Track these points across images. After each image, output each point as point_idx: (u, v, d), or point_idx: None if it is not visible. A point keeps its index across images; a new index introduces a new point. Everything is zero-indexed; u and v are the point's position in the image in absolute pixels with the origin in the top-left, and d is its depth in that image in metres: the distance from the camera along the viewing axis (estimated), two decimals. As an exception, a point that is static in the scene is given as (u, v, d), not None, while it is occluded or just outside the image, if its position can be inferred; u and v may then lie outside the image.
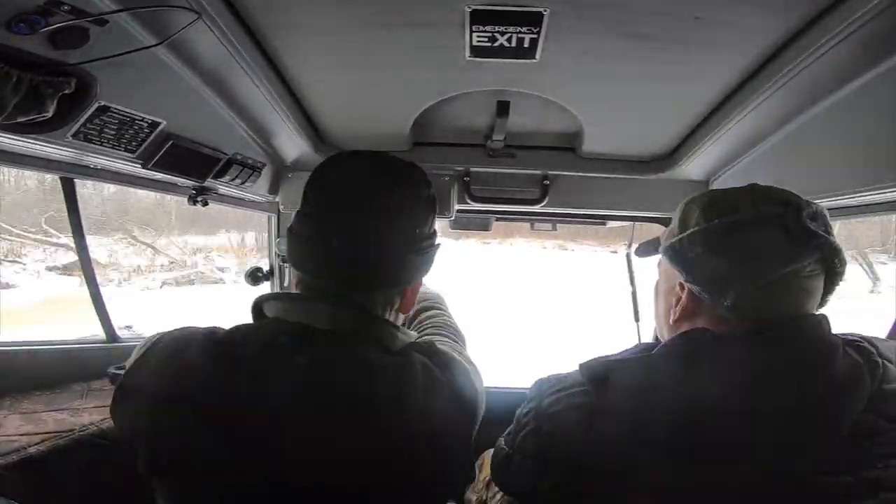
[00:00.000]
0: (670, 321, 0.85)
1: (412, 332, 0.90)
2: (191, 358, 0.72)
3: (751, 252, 0.76)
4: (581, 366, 0.84)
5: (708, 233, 0.78)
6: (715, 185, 1.75)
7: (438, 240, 0.90)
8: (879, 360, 0.74)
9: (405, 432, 0.72)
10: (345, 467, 0.68)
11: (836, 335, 0.76)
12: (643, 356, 0.80)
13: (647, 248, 1.06)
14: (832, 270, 0.78)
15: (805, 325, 0.75)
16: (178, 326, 0.81)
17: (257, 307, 0.81)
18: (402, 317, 0.90)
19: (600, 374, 0.80)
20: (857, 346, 0.75)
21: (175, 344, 0.76)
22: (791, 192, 0.81)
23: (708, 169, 1.69)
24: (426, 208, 0.85)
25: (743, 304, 0.76)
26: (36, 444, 1.18)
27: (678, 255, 0.82)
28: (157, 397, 0.71)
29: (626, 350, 0.85)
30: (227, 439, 0.67)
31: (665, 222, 2.00)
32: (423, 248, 0.84)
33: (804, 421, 0.69)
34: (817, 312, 0.78)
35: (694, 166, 1.64)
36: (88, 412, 1.35)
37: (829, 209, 1.32)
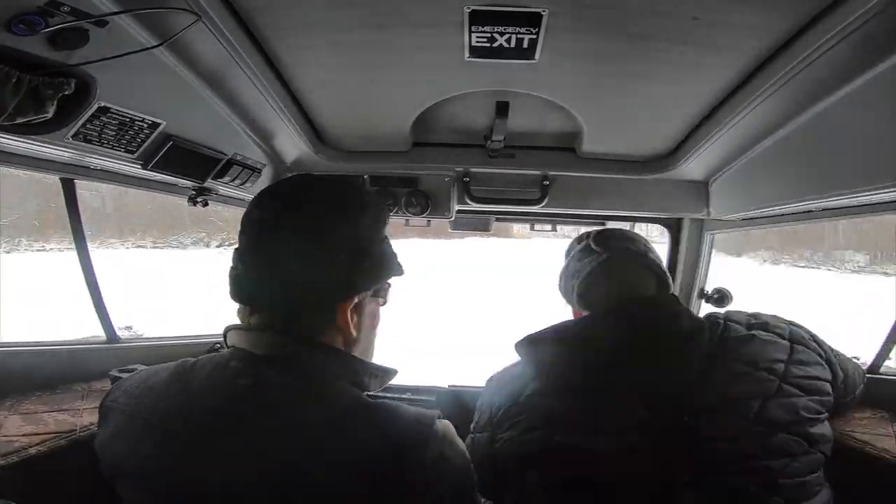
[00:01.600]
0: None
1: (377, 366, 0.86)
2: (154, 380, 0.80)
3: (575, 266, 1.26)
4: (515, 344, 1.18)
5: (565, 266, 1.32)
6: (714, 185, 1.75)
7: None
8: (721, 319, 1.12)
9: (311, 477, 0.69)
10: (276, 478, 0.69)
11: (683, 308, 1.14)
12: (553, 328, 1.16)
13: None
14: (645, 265, 1.22)
15: (661, 303, 1.15)
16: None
17: (224, 337, 0.84)
18: (350, 340, 0.84)
19: (528, 346, 1.16)
20: (708, 315, 1.15)
21: (150, 370, 0.84)
22: (616, 231, 1.33)
23: (707, 169, 1.69)
24: (335, 215, 0.81)
25: (581, 297, 1.23)
26: (36, 444, 1.18)
27: (561, 286, 1.34)
28: (122, 412, 0.78)
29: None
30: (172, 452, 0.72)
31: (664, 222, 2.00)
32: (334, 262, 0.79)
33: (662, 359, 1.04)
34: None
35: (693, 167, 1.64)
36: (89, 413, 1.35)
37: (829, 209, 1.34)
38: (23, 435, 1.20)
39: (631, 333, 1.06)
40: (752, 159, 1.48)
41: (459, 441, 0.80)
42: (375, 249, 0.84)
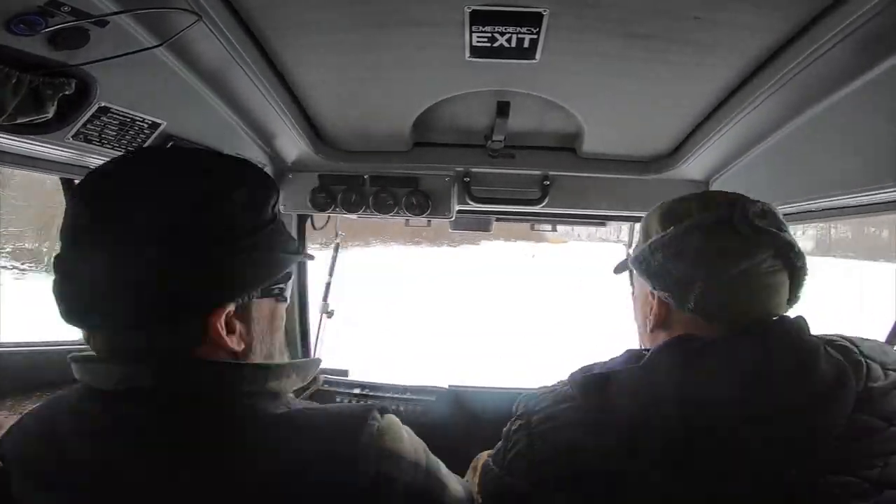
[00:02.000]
0: (647, 329, 0.87)
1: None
2: (30, 427, 0.68)
3: (706, 253, 0.78)
4: (572, 381, 0.80)
5: (666, 240, 0.81)
6: (715, 186, 1.75)
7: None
8: (862, 359, 0.75)
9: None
10: None
11: (815, 336, 0.76)
12: (635, 367, 0.78)
13: (621, 265, 1.08)
14: (791, 265, 0.79)
15: (790, 328, 0.75)
16: None
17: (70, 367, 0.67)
18: (250, 349, 0.68)
19: (595, 387, 0.78)
20: (839, 346, 0.77)
21: (33, 412, 0.71)
22: (738, 194, 0.84)
23: (708, 169, 1.69)
24: (181, 203, 0.61)
25: (706, 304, 0.77)
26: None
27: (643, 264, 0.84)
28: (15, 465, 0.66)
29: (615, 359, 0.83)
30: None
31: None
32: (197, 265, 0.61)
33: (796, 423, 0.69)
34: (794, 313, 0.79)
35: (694, 166, 1.64)
36: (89, 413, 1.35)
37: (829, 209, 1.34)
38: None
39: (755, 382, 0.71)
40: (753, 159, 1.48)
41: (408, 443, 0.68)
42: (252, 241, 0.64)
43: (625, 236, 2.17)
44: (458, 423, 1.64)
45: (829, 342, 0.77)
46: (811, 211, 1.40)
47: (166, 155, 0.72)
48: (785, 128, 1.23)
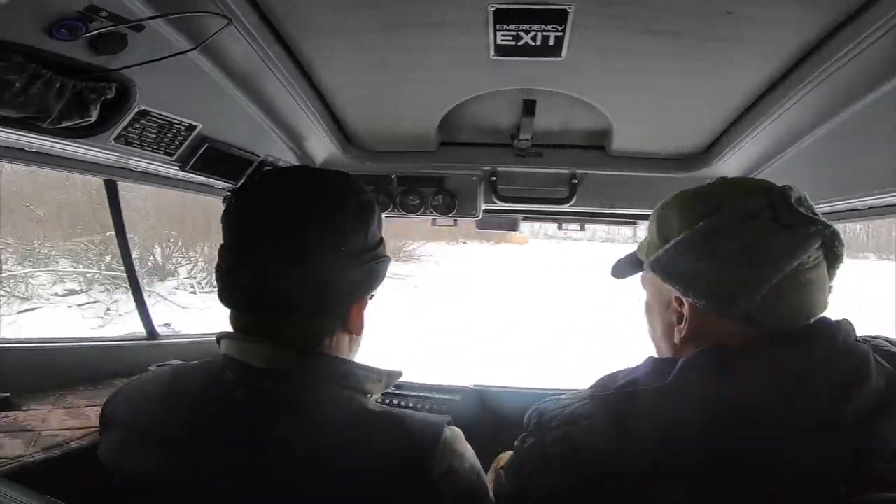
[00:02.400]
0: (674, 341, 0.76)
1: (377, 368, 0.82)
2: (150, 389, 0.79)
3: (748, 252, 0.67)
4: (594, 397, 0.73)
5: (696, 239, 0.70)
6: (752, 184, 1.69)
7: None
8: None
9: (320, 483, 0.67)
10: (276, 495, 0.67)
11: (863, 342, 0.69)
12: (663, 384, 0.69)
13: (625, 267, 0.94)
14: (833, 255, 0.70)
15: (835, 335, 0.67)
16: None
17: (217, 343, 0.80)
18: (355, 341, 0.84)
19: (615, 407, 0.70)
20: (888, 353, 0.69)
21: (147, 377, 0.84)
22: (766, 181, 0.73)
23: (743, 167, 1.63)
24: (355, 218, 0.78)
25: (756, 311, 0.67)
26: (78, 438, 1.21)
27: (667, 267, 0.74)
28: (122, 423, 0.77)
29: (637, 368, 0.75)
30: (173, 464, 0.71)
31: None
32: (353, 264, 0.77)
33: (843, 444, 0.61)
34: (841, 318, 0.70)
35: (728, 165, 1.59)
36: (128, 406, 1.39)
37: (871, 207, 1.27)
38: (66, 429, 1.24)
39: (797, 398, 0.63)
40: (792, 157, 1.42)
41: (469, 450, 0.77)
42: (382, 249, 0.83)
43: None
44: (483, 423, 1.63)
45: (876, 348, 0.69)
46: (856, 209, 1.33)
47: (307, 176, 0.83)
48: (826, 124, 1.18)
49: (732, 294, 0.67)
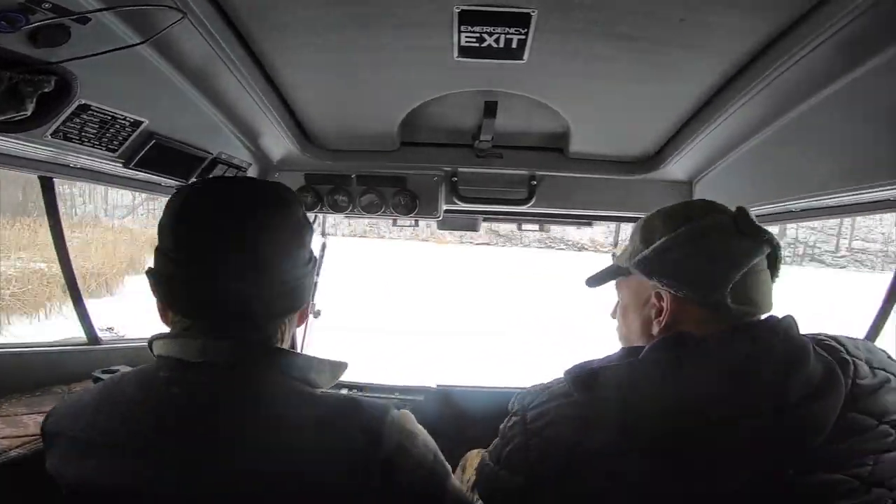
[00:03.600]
0: (652, 333, 0.86)
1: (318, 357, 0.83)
2: (87, 398, 0.78)
3: (721, 251, 0.80)
4: (567, 374, 0.82)
5: (681, 238, 0.82)
6: (698, 186, 1.78)
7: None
8: (849, 357, 0.78)
9: (271, 471, 0.68)
10: (212, 490, 0.69)
11: (804, 335, 0.79)
12: (628, 361, 0.80)
13: (602, 276, 1.02)
14: (773, 263, 0.85)
15: (778, 326, 0.78)
16: None
17: (149, 346, 0.79)
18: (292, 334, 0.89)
19: (588, 382, 0.79)
20: (827, 345, 0.79)
21: (82, 391, 0.82)
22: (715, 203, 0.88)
23: (691, 170, 1.71)
24: (302, 229, 0.81)
25: (729, 297, 0.79)
26: (17, 447, 1.15)
27: (653, 265, 0.84)
28: (64, 435, 0.76)
29: (612, 354, 0.85)
30: (119, 465, 0.71)
31: None
32: (303, 273, 0.81)
33: (786, 421, 0.70)
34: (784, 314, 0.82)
35: (678, 167, 1.67)
36: (70, 416, 1.33)
37: (809, 209, 1.36)
38: (3, 437, 1.18)
39: (746, 378, 0.74)
40: (736, 160, 1.50)
41: (422, 431, 0.79)
42: (314, 263, 0.86)
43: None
44: (447, 423, 1.65)
45: (816, 341, 0.79)
46: (791, 211, 1.43)
47: (258, 187, 0.86)
48: (767, 129, 1.26)
49: (711, 282, 0.80)
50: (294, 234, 0.79)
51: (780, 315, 0.80)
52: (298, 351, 0.84)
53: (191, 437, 0.69)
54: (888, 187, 1.04)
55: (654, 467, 0.72)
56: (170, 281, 0.76)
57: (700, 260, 0.81)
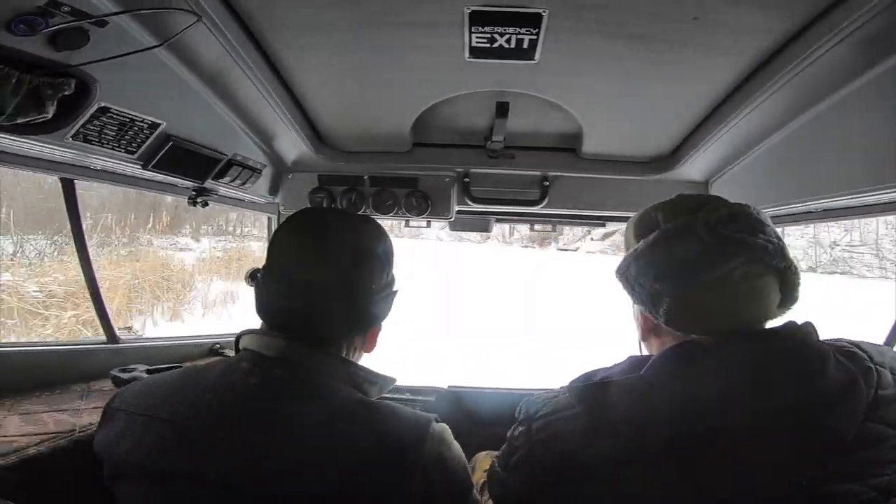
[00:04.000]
0: (650, 339, 0.88)
1: (383, 375, 0.92)
2: (161, 382, 0.85)
3: (672, 264, 0.76)
4: (571, 388, 0.81)
5: (637, 253, 0.81)
6: (714, 186, 1.75)
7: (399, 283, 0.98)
8: (872, 365, 0.73)
9: (323, 464, 0.74)
10: (275, 473, 0.73)
11: (825, 342, 0.75)
12: (635, 376, 0.78)
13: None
14: (775, 269, 0.76)
15: (796, 332, 0.75)
16: None
17: (236, 341, 0.89)
18: (363, 355, 0.97)
19: (591, 395, 0.78)
20: (848, 352, 0.75)
21: (157, 376, 0.89)
22: (708, 196, 0.82)
23: (707, 170, 1.69)
24: (380, 262, 0.91)
25: (677, 315, 0.77)
26: (35, 444, 1.16)
27: (623, 277, 0.84)
28: (130, 412, 0.82)
29: (618, 365, 0.84)
30: (181, 446, 0.76)
31: None
32: (375, 301, 0.90)
33: (803, 432, 0.68)
34: (802, 321, 0.77)
35: (693, 167, 1.65)
36: (88, 413, 1.34)
37: (829, 209, 1.34)
38: (22, 435, 1.20)
39: (759, 387, 0.70)
40: (753, 160, 1.48)
41: (456, 444, 0.85)
42: (394, 283, 0.96)
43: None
44: (458, 424, 1.65)
45: (837, 349, 0.75)
46: (811, 212, 1.40)
47: (340, 215, 1.01)
48: (784, 129, 1.23)
49: (657, 302, 0.78)
50: (374, 263, 0.90)
51: (799, 321, 0.76)
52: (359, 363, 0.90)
53: (260, 422, 0.76)
54: None
55: (660, 477, 0.70)
56: (261, 291, 0.88)
57: (648, 278, 0.79)
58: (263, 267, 0.91)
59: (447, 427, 0.85)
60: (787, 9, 0.87)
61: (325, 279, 0.85)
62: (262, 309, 0.89)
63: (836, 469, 0.67)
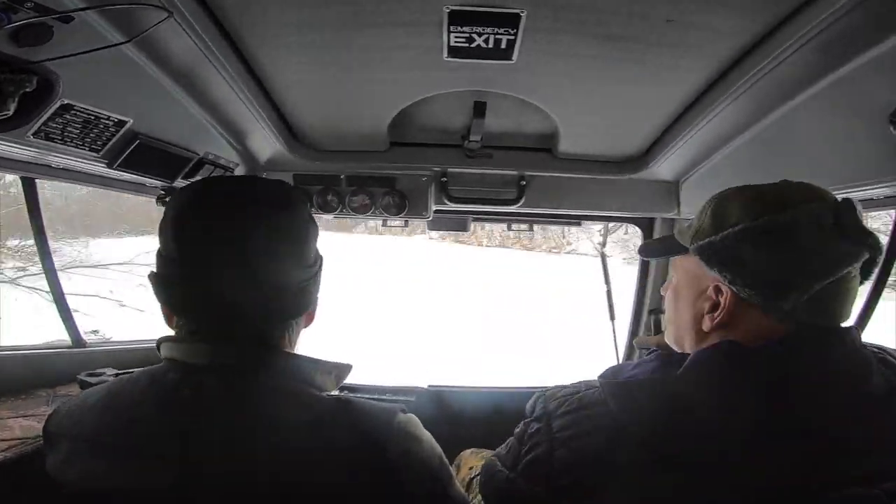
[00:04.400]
0: (703, 328, 0.77)
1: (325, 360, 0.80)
2: (92, 400, 0.76)
3: (810, 252, 0.68)
4: (604, 384, 0.76)
5: (759, 230, 0.70)
6: (684, 186, 1.79)
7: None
8: None
9: (274, 469, 0.68)
10: (212, 491, 0.68)
11: (867, 349, 0.73)
12: (672, 378, 0.73)
13: (658, 248, 0.95)
14: (867, 270, 0.73)
15: (845, 337, 0.71)
16: None
17: (157, 348, 0.79)
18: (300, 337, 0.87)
19: (626, 395, 0.73)
20: (884, 359, 0.73)
21: (87, 391, 0.80)
22: (830, 191, 0.74)
23: (678, 170, 1.73)
24: (307, 230, 0.80)
25: (801, 308, 0.69)
26: (3, 450, 1.14)
27: (719, 255, 0.73)
28: (66, 437, 0.75)
29: (644, 363, 0.79)
30: (120, 465, 0.70)
31: (638, 222, 2.04)
32: (313, 275, 0.81)
33: (840, 441, 0.65)
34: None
35: (664, 167, 1.68)
36: (55, 419, 1.31)
37: None
38: (-12, 442, 1.16)
39: (800, 396, 0.67)
40: (721, 160, 1.52)
41: (427, 436, 0.78)
42: (320, 266, 0.85)
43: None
44: (439, 423, 1.66)
45: (877, 357, 0.73)
46: None
47: (259, 184, 0.85)
48: (752, 129, 1.27)
49: (785, 288, 0.69)
50: (297, 236, 0.78)
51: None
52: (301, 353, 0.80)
53: (197, 438, 0.69)
54: (873, 186, 1.05)
55: (688, 483, 0.66)
56: (172, 285, 0.76)
57: (777, 258, 0.69)
58: (159, 252, 0.77)
59: (415, 418, 0.78)
60: (756, 12, 0.89)
61: (248, 266, 0.73)
62: (174, 307, 0.77)
63: (853, 474, 0.64)
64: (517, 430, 0.82)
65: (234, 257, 0.73)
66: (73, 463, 0.72)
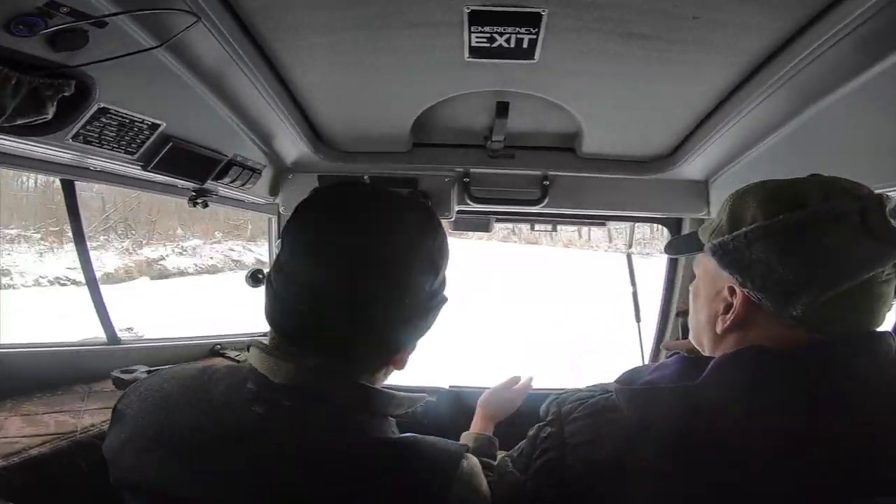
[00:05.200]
0: (717, 330, 0.74)
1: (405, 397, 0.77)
2: (170, 388, 0.75)
3: (826, 255, 0.63)
4: (620, 390, 0.73)
5: (772, 231, 0.66)
6: (714, 186, 1.75)
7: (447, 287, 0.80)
8: None
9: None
10: None
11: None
12: (694, 385, 0.68)
13: (682, 245, 0.91)
14: None
15: (879, 346, 0.66)
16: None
17: (247, 348, 0.78)
18: (391, 372, 0.81)
19: (643, 403, 0.70)
20: None
21: (167, 374, 0.79)
22: (863, 185, 0.68)
23: (707, 169, 1.69)
24: (428, 262, 0.73)
25: (813, 314, 0.65)
26: (37, 445, 1.17)
27: (731, 255, 0.70)
28: (133, 420, 0.74)
29: (665, 366, 0.75)
30: (175, 469, 0.69)
31: (665, 223, 2.00)
32: (422, 310, 0.74)
33: (870, 453, 0.61)
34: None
35: (693, 166, 1.64)
36: (90, 414, 1.35)
37: None
38: (24, 436, 1.20)
39: (831, 405, 0.63)
40: (753, 159, 1.48)
41: (485, 485, 0.74)
42: (444, 289, 0.79)
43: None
44: (460, 424, 1.65)
45: None
46: None
47: (374, 196, 0.77)
48: (784, 127, 1.23)
49: (796, 292, 0.65)
50: (418, 266, 0.72)
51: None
52: (379, 387, 0.77)
53: (256, 456, 0.67)
54: None
55: (707, 493, 0.63)
56: (271, 293, 0.73)
57: (789, 261, 0.65)
58: (273, 265, 0.75)
59: (476, 464, 0.74)
60: (787, 7, 0.87)
61: (345, 291, 0.68)
62: (268, 315, 0.75)
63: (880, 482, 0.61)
64: (530, 433, 0.80)
65: (335, 280, 0.69)
66: (130, 448, 0.72)
